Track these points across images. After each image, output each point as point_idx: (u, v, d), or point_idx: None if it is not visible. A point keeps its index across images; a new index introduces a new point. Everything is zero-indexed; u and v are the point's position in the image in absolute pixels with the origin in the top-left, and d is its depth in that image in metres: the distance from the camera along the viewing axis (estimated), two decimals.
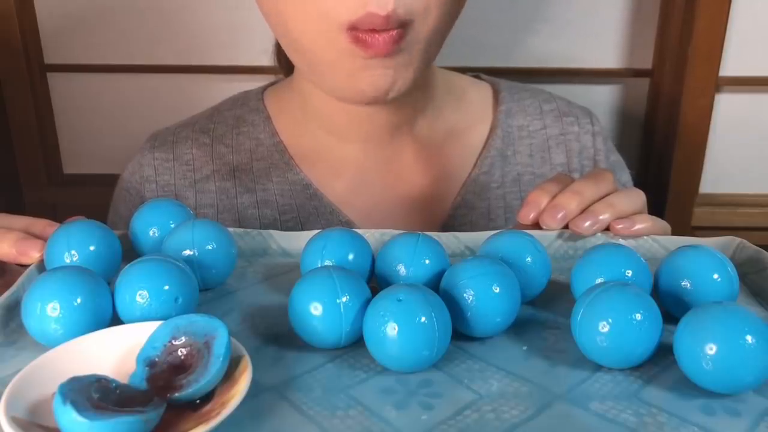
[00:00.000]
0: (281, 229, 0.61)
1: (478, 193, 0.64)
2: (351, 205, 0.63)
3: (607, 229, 0.48)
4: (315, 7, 0.49)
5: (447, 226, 0.63)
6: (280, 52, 0.70)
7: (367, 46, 0.49)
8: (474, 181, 0.64)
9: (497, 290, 0.37)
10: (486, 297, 0.36)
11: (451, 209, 0.63)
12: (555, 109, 0.69)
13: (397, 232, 0.47)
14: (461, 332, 0.37)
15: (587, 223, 0.47)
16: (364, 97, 0.53)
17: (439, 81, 0.64)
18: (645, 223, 0.48)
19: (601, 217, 0.47)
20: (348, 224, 0.62)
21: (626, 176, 0.71)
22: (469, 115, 0.67)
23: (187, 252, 0.42)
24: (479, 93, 0.69)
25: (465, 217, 0.63)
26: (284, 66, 0.70)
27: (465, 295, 0.37)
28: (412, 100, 0.61)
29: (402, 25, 0.49)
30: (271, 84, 0.70)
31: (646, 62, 1.04)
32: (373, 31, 0.48)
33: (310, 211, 0.63)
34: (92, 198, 0.71)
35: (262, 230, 0.49)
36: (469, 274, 0.37)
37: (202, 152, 0.65)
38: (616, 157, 0.71)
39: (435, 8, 0.50)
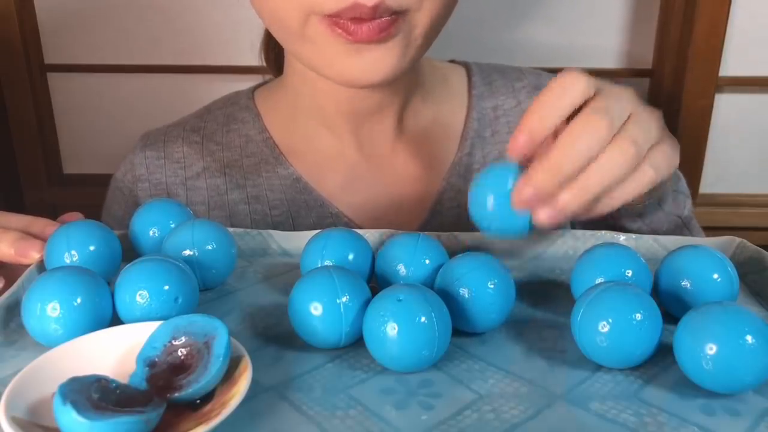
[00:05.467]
0: (272, 224, 0.61)
1: (463, 176, 0.65)
2: (341, 197, 0.63)
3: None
4: (299, 1, 0.49)
5: (435, 211, 0.63)
6: (267, 51, 0.70)
7: (349, 32, 0.48)
8: (458, 164, 0.65)
9: (492, 285, 0.37)
10: (480, 292, 0.37)
11: (439, 193, 0.64)
12: (527, 85, 0.69)
13: (397, 232, 0.47)
14: (459, 328, 0.37)
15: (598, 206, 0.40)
16: (356, 84, 0.52)
17: (425, 67, 0.65)
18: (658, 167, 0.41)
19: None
20: (338, 216, 0.62)
21: None
22: (451, 99, 0.67)
23: (187, 252, 0.42)
24: (457, 77, 0.69)
25: (453, 201, 0.64)
26: (273, 66, 0.71)
27: (461, 290, 0.37)
28: (400, 87, 0.61)
29: (395, 13, 0.49)
30: (262, 84, 0.70)
31: (646, 62, 1.04)
32: (359, 20, 0.48)
33: (300, 204, 0.63)
34: (92, 198, 0.71)
35: (261, 230, 0.49)
36: (462, 270, 0.37)
37: (192, 150, 0.66)
38: None
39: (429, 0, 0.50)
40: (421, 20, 0.50)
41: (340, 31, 0.48)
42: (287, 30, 0.53)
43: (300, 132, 0.65)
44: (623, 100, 0.41)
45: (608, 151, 0.39)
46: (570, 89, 0.40)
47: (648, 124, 0.41)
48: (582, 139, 0.38)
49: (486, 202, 0.40)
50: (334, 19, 0.48)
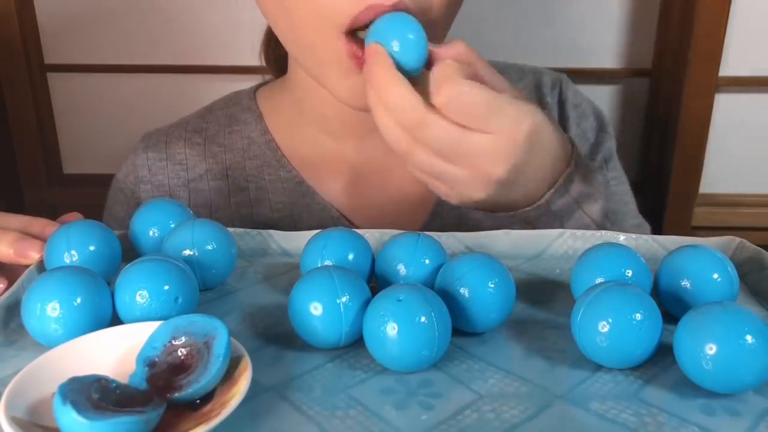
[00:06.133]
0: (274, 227, 0.62)
1: None
2: (342, 200, 0.63)
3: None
4: (311, 10, 0.49)
5: (436, 213, 0.63)
6: (267, 53, 0.70)
7: (363, 63, 0.49)
8: None
9: (492, 285, 0.37)
10: (480, 292, 0.37)
11: (439, 197, 0.64)
12: (528, 84, 0.69)
13: (397, 232, 0.47)
14: (459, 328, 0.37)
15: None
16: (365, 109, 0.53)
17: None
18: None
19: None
20: (340, 220, 0.62)
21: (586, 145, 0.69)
22: None
23: (187, 252, 0.42)
24: None
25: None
26: (273, 66, 0.70)
27: (461, 290, 0.37)
28: None
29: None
30: (264, 83, 0.70)
31: (646, 62, 1.05)
32: None
33: (302, 208, 0.63)
34: (92, 198, 0.71)
35: (262, 230, 0.49)
36: (462, 270, 0.37)
37: (194, 152, 0.65)
38: (589, 124, 0.69)
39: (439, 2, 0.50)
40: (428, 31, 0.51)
41: (356, 62, 0.49)
42: (308, 52, 0.53)
43: (302, 135, 0.64)
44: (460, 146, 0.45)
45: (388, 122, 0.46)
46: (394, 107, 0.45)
47: (451, 175, 0.46)
48: (393, 98, 0.45)
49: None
50: (350, 42, 0.49)
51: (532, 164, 0.47)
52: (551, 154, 0.48)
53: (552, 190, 0.49)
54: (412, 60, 0.46)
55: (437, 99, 0.44)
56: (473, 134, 0.44)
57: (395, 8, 0.47)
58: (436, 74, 0.45)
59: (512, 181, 0.47)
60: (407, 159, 0.47)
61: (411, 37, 0.46)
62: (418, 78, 0.47)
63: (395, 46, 0.46)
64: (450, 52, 0.47)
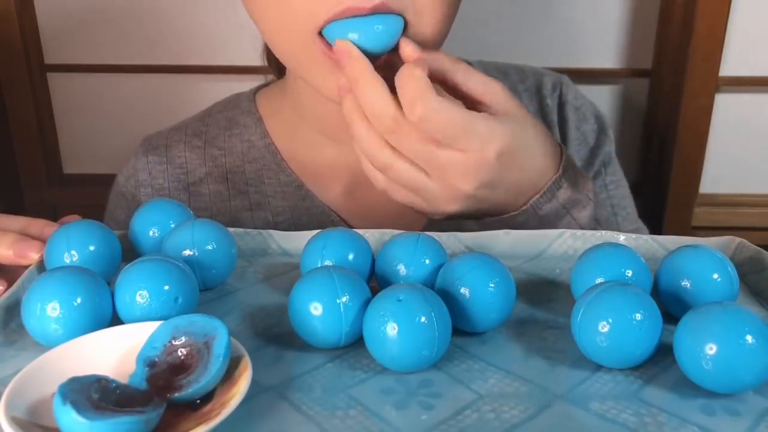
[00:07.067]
0: None
1: None
2: (343, 205, 0.63)
3: None
4: (287, 12, 0.48)
5: (434, 218, 0.63)
6: (269, 53, 0.70)
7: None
8: None
9: (492, 285, 0.37)
10: (481, 292, 0.37)
11: None
12: (530, 87, 0.69)
13: (397, 232, 0.47)
14: (459, 328, 0.37)
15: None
16: None
17: None
18: None
19: None
20: (339, 224, 0.62)
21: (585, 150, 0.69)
22: None
23: (187, 252, 0.42)
24: None
25: None
26: (275, 67, 0.70)
27: (461, 290, 0.37)
28: None
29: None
30: (264, 86, 0.70)
31: (646, 62, 1.05)
32: None
33: (302, 212, 0.63)
34: (92, 198, 0.71)
35: (262, 230, 0.49)
36: (462, 270, 0.37)
37: (194, 155, 0.65)
38: (589, 127, 0.69)
39: (431, 7, 0.49)
40: (423, 34, 0.50)
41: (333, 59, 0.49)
42: (288, 56, 0.53)
43: (302, 139, 0.64)
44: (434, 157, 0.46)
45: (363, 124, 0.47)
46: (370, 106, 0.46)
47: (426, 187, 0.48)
48: (371, 102, 0.46)
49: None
50: (323, 40, 0.48)
51: (506, 180, 0.48)
52: (533, 167, 0.49)
53: (538, 195, 0.50)
54: (375, 46, 0.47)
55: (410, 118, 0.45)
56: (443, 149, 0.46)
57: (374, 11, 0.46)
58: (408, 91, 0.45)
59: (482, 197, 0.48)
60: (385, 172, 0.48)
61: (379, 28, 0.46)
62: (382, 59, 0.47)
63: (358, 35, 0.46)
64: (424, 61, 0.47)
